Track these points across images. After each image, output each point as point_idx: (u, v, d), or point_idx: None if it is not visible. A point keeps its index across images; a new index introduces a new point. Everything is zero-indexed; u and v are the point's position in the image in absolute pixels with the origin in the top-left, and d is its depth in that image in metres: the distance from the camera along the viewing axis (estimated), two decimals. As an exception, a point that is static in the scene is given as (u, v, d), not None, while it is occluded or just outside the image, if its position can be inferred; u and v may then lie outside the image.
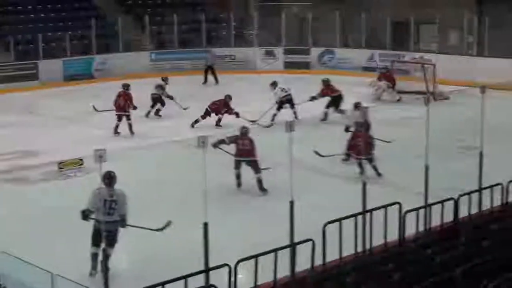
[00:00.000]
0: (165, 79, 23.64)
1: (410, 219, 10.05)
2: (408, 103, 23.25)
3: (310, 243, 9.13)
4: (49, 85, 28.37)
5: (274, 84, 22.13)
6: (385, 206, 10.15)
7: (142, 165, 16.79)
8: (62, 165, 16.17)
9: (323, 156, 16.43)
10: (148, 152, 17.99)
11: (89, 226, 10.83)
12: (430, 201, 10.90)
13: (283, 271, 9.10)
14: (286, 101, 21.77)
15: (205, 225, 9.17)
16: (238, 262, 8.44)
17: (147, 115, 22.66)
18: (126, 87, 21.24)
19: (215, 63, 30.31)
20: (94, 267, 10.80)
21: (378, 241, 10.10)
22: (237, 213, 13.47)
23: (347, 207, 10.48)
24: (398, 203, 10.20)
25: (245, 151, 15.17)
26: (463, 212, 10.75)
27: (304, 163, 15.66)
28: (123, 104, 20.65)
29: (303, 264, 9.26)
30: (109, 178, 10.81)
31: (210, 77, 29.56)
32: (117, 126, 20.47)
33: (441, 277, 7.30)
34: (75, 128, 21.19)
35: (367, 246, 10.11)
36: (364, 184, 10.54)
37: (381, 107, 22.38)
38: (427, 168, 11.40)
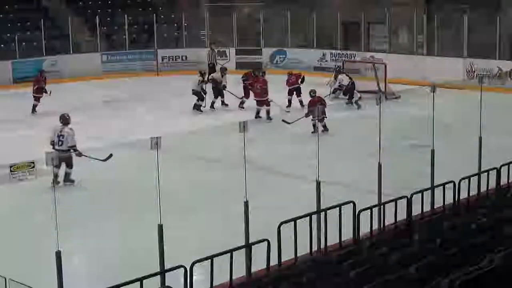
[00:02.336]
0: (202, 74, 24.01)
1: (364, 217, 10.11)
2: (359, 102, 23.43)
3: (265, 243, 9.15)
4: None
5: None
6: (339, 205, 10.20)
7: (96, 167, 16.65)
8: (13, 168, 15.95)
9: (290, 123, 18.81)
10: (102, 154, 17.83)
11: (43, 227, 10.72)
12: (383, 199, 10.99)
13: (239, 272, 9.11)
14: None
15: (160, 227, 9.16)
16: (193, 263, 8.42)
17: (199, 108, 23.44)
18: (41, 72, 24.73)
19: (217, 61, 30.34)
20: (53, 181, 13.68)
21: (333, 240, 10.15)
22: (192, 214, 13.44)
23: (301, 207, 10.54)
24: (352, 202, 10.27)
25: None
26: (416, 210, 10.85)
27: (257, 163, 15.70)
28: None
29: (259, 264, 9.27)
30: (62, 119, 15.62)
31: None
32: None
33: (395, 274, 7.35)
34: (26, 130, 20.93)
35: (322, 245, 10.16)
36: (318, 183, 10.61)
37: (335, 106, 22.51)
38: (380, 167, 11.51)
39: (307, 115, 19.20)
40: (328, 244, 10.14)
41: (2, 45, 30.40)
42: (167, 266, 8.89)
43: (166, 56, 32.09)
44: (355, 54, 29.62)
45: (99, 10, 33.64)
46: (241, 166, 9.88)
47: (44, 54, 30.21)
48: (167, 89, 27.48)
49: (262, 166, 16.13)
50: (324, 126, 19.23)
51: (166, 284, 8.53)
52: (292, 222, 9.56)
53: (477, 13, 27.27)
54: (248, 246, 9.30)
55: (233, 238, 9.95)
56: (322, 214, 10.18)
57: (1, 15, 32.00)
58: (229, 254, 8.74)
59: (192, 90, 23.37)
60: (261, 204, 12.00)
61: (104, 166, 16.64)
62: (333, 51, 30.57)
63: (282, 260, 9.46)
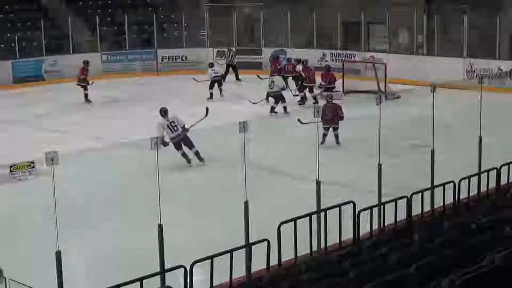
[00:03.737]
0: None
1: (364, 218, 10.11)
2: (359, 102, 23.42)
3: (265, 243, 9.15)
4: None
5: (210, 65, 26.21)
6: (339, 205, 10.20)
7: (96, 167, 16.68)
8: (13, 168, 16.00)
9: (304, 123, 17.64)
10: (102, 154, 17.86)
11: (46, 227, 10.72)
12: (383, 199, 10.99)
13: (239, 272, 9.11)
14: (215, 81, 25.45)
15: (160, 226, 9.17)
16: (193, 263, 8.42)
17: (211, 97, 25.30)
18: (86, 63, 26.02)
19: (235, 60, 30.34)
20: (187, 161, 16.77)
21: (333, 240, 10.15)
22: (192, 214, 13.44)
23: (301, 207, 10.53)
24: (352, 202, 10.26)
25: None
26: (416, 210, 10.84)
27: (257, 163, 15.71)
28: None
29: (259, 264, 9.27)
30: (164, 111, 16.79)
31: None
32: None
33: (395, 274, 7.35)
34: (25, 130, 20.93)
35: (322, 245, 10.16)
36: (318, 183, 10.61)
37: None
38: (380, 167, 11.51)
39: (320, 120, 18.30)
40: (328, 244, 10.14)
41: (2, 45, 30.41)
42: (167, 266, 8.89)
43: (166, 56, 32.08)
44: (355, 54, 29.61)
45: (99, 10, 33.65)
46: (241, 166, 9.88)
47: (44, 54, 30.21)
48: (167, 89, 27.48)
49: (262, 166, 16.12)
50: (336, 137, 18.44)
51: (166, 284, 8.53)
52: (292, 222, 9.56)
53: (477, 13, 27.25)
54: (248, 246, 9.30)
55: (233, 238, 9.95)
56: (322, 214, 10.18)
57: (1, 15, 32.00)
58: (229, 254, 8.74)
59: (271, 93, 23.25)
60: (261, 204, 11.99)
61: (105, 164, 16.71)
62: (333, 51, 30.56)
63: (282, 260, 9.47)
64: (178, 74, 30.46)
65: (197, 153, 16.70)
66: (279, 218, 9.61)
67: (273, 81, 23.02)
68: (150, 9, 34.35)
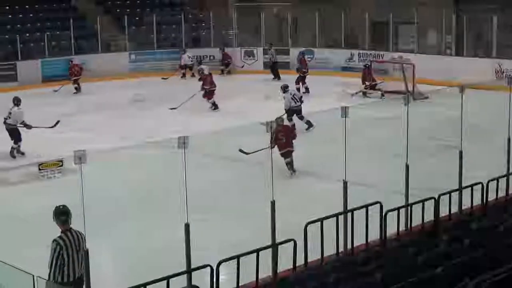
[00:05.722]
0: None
1: (391, 218, 10.06)
2: (387, 102, 23.34)
3: (291, 243, 9.13)
4: (28, 86, 28.15)
5: (285, 88, 20.79)
6: (366, 206, 10.15)
7: (124, 166, 16.73)
8: (42, 166, 16.07)
9: (248, 153, 16.35)
10: (128, 153, 17.91)
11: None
12: (410, 200, 10.93)
13: (265, 271, 9.10)
14: (295, 111, 20.52)
15: (187, 226, 9.17)
16: (220, 262, 8.42)
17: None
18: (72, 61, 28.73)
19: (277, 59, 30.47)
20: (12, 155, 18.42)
21: (359, 240, 10.11)
22: (218, 213, 13.46)
23: (326, 207, 10.51)
24: (379, 202, 10.22)
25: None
26: (443, 211, 10.78)
27: (282, 163, 15.72)
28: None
29: (285, 264, 9.26)
30: (18, 101, 18.74)
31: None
32: (76, 88, 27.89)
33: (422, 276, 7.31)
34: (54, 129, 21.01)
35: (349, 246, 10.13)
36: (345, 184, 10.57)
37: (360, 107, 22.41)
38: (407, 168, 11.44)
39: (272, 147, 14.61)
40: (355, 244, 10.10)
41: (32, 44, 30.65)
42: (193, 265, 8.90)
43: (194, 56, 32.15)
44: (383, 54, 29.52)
45: (127, 10, 33.85)
46: (265, 166, 9.87)
47: (73, 53, 30.40)
48: (194, 89, 27.50)
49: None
50: (290, 164, 16.23)
51: (192, 284, 8.53)
52: (319, 222, 9.54)
53: (506, 13, 27.07)
54: (274, 246, 9.29)
55: (259, 238, 9.94)
56: (349, 214, 10.14)
57: (32, 14, 32.29)
58: (255, 254, 8.73)
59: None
60: (287, 204, 11.98)
61: (132, 163, 16.75)
62: (361, 51, 30.48)
63: (309, 260, 9.45)
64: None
65: (18, 149, 18.57)
66: (305, 218, 9.59)
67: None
68: (178, 8, 34.47)
